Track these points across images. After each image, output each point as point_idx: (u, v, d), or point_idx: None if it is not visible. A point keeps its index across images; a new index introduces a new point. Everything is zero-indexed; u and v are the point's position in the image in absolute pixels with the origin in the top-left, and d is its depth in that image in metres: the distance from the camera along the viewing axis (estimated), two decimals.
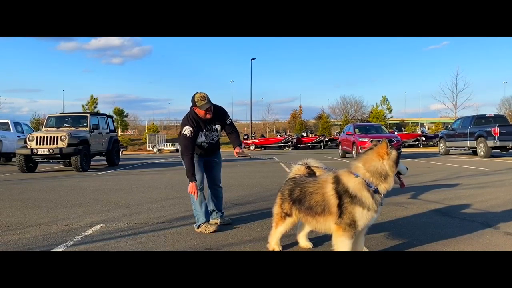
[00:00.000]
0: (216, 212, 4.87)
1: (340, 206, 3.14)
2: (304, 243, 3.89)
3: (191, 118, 4.47)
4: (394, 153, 3.07)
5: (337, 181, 3.22)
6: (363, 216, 3.10)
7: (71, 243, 4.16)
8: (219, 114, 4.63)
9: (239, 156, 4.70)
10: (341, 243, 3.14)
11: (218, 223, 4.73)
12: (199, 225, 4.56)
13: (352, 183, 3.13)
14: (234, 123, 4.87)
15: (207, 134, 4.60)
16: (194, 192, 4.45)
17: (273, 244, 3.75)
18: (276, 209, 3.74)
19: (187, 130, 4.42)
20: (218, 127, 4.68)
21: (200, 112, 4.42)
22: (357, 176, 3.13)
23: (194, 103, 4.39)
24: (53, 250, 3.88)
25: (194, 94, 4.41)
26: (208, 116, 4.46)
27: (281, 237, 3.76)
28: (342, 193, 3.14)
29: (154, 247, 3.96)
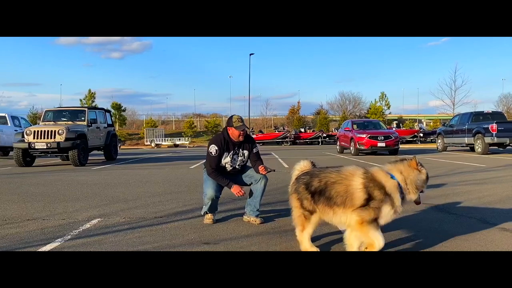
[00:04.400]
0: (252, 209, 4.75)
1: (368, 201, 3.17)
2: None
3: (221, 138, 4.66)
4: (425, 171, 3.32)
5: (369, 177, 3.25)
6: (388, 215, 3.20)
7: (69, 237, 4.16)
8: (249, 140, 4.81)
9: (266, 172, 4.69)
10: (372, 235, 3.17)
11: (258, 222, 4.66)
12: (204, 212, 4.74)
13: (390, 183, 3.21)
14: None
15: (234, 158, 4.71)
16: (241, 192, 4.54)
17: (310, 247, 3.50)
18: (296, 212, 3.52)
19: (213, 148, 4.62)
20: (246, 153, 4.78)
21: (235, 133, 4.61)
22: (392, 177, 3.24)
23: (230, 123, 4.62)
24: (49, 245, 3.89)
25: (232, 116, 4.70)
26: (241, 138, 4.66)
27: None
28: (374, 190, 3.18)
29: (152, 241, 3.96)
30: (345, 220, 3.27)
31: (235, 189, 4.53)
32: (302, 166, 3.71)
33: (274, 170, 5.22)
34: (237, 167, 4.78)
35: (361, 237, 3.23)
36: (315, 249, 3.51)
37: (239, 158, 4.75)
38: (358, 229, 3.20)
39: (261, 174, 4.73)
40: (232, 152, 4.69)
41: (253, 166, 4.85)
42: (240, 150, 4.74)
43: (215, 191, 4.62)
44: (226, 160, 4.69)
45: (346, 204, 3.22)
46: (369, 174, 3.27)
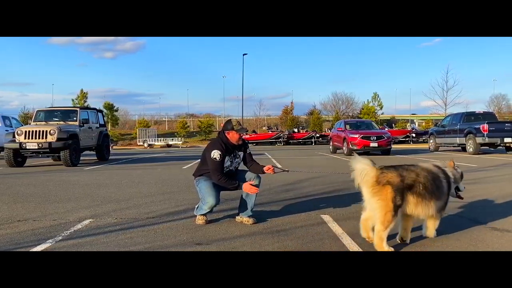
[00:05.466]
0: (245, 209, 4.74)
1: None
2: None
3: (220, 142, 4.64)
4: (460, 170, 3.97)
5: (444, 171, 3.68)
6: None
7: (60, 238, 4.12)
8: (244, 142, 4.87)
9: (274, 172, 4.73)
10: (437, 223, 3.78)
11: (251, 222, 4.64)
12: (198, 214, 4.69)
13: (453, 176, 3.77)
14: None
15: (232, 160, 4.75)
16: (253, 189, 4.56)
17: (386, 246, 3.41)
18: (387, 206, 3.26)
19: (216, 153, 4.55)
20: (241, 154, 4.85)
21: (235, 136, 4.64)
22: None
23: (230, 127, 4.62)
24: (40, 246, 3.85)
25: (230, 119, 4.77)
26: (240, 141, 4.70)
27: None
28: (451, 182, 3.67)
29: (144, 242, 3.94)
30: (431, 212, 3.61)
31: (247, 188, 4.55)
32: (365, 162, 3.51)
33: (287, 171, 5.22)
34: (232, 169, 4.81)
35: (434, 223, 3.75)
36: (391, 249, 3.42)
37: (236, 160, 4.80)
38: (434, 217, 3.67)
39: (255, 174, 4.75)
40: (232, 155, 4.73)
41: (248, 167, 4.87)
42: (237, 152, 4.79)
43: (217, 199, 4.57)
44: (227, 164, 4.70)
45: (440, 197, 3.54)
46: (442, 169, 3.69)
